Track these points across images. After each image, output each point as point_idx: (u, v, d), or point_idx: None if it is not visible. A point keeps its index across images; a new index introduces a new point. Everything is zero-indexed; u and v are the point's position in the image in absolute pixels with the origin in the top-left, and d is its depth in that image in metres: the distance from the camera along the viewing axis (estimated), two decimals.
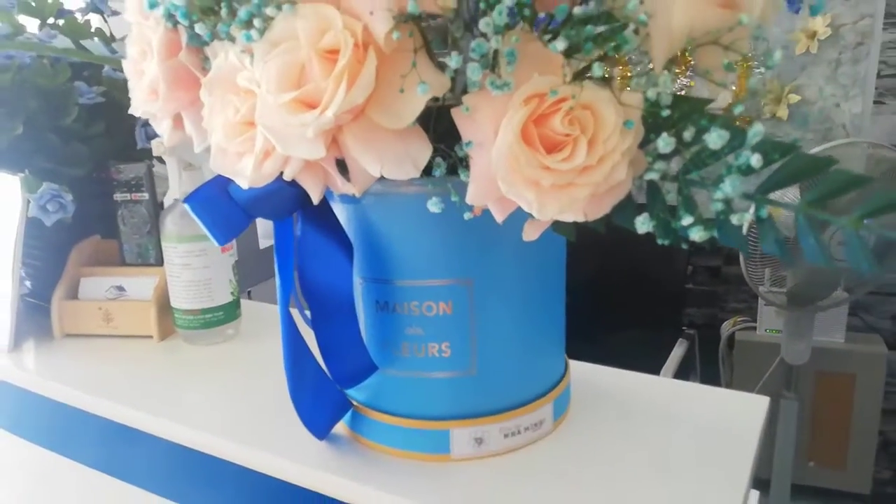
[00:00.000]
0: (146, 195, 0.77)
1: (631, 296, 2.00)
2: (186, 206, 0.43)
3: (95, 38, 0.80)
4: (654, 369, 1.71)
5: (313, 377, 0.49)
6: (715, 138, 0.31)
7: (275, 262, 0.49)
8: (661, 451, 0.50)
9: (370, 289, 0.47)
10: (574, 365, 0.59)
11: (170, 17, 0.38)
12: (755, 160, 0.31)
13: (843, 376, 1.91)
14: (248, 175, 0.37)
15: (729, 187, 0.32)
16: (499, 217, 0.37)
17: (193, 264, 0.70)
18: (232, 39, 0.39)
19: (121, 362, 0.71)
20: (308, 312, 0.47)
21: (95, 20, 0.85)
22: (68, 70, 0.72)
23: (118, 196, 0.77)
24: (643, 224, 0.34)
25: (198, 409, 0.61)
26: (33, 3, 0.80)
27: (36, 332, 0.78)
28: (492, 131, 0.35)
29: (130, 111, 0.44)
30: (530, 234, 0.37)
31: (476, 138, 0.35)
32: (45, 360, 0.73)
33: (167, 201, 0.74)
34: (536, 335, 0.50)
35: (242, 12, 0.36)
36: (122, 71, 0.55)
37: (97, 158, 0.78)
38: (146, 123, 0.79)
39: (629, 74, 0.36)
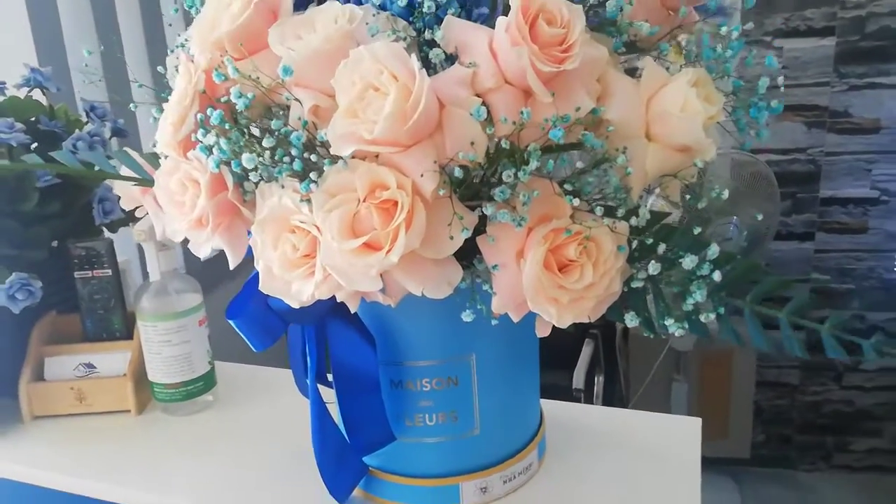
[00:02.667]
0: (109, 271, 0.78)
1: None
2: (232, 322, 0.48)
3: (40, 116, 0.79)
4: (569, 367, 1.88)
5: (337, 446, 0.55)
6: (688, 262, 0.41)
7: (294, 344, 0.55)
8: (625, 477, 0.61)
9: (384, 370, 0.54)
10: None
11: (222, 164, 0.43)
12: (717, 276, 0.42)
13: (721, 356, 2.17)
14: (302, 299, 0.44)
15: (699, 296, 0.42)
16: (516, 318, 0.45)
17: (173, 340, 0.73)
18: (275, 178, 0.44)
19: (103, 440, 0.73)
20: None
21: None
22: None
23: (79, 273, 0.78)
24: (631, 320, 0.44)
25: (199, 481, 0.65)
26: None
27: (1, 418, 0.77)
28: (511, 255, 0.43)
29: (168, 237, 0.48)
30: (542, 331, 0.46)
31: (499, 261, 0.43)
32: (20, 445, 0.73)
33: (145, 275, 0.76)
34: (524, 391, 0.59)
35: (296, 164, 0.42)
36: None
37: (55, 238, 0.78)
38: (102, 199, 0.81)
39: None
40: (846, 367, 2.27)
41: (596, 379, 2.12)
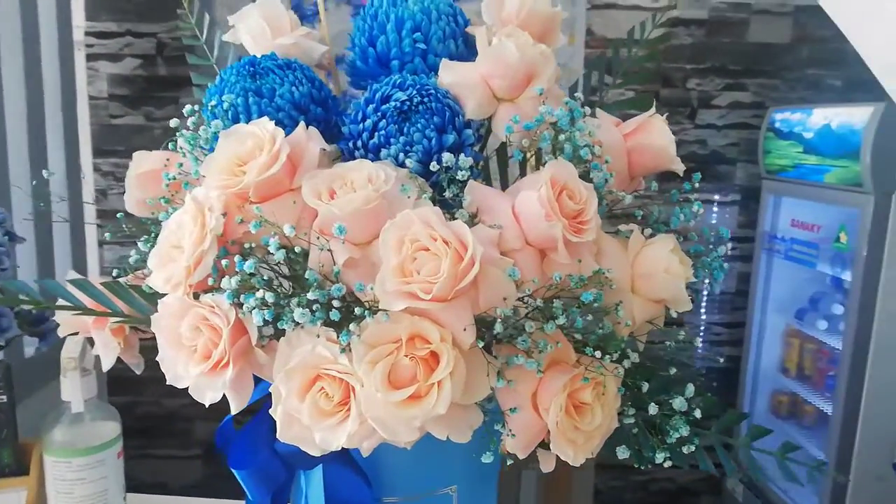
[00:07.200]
0: (4, 397, 0.69)
1: None
2: (235, 473, 0.46)
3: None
4: None
5: None
6: (678, 403, 0.48)
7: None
8: None
9: None
10: None
11: (252, 312, 0.43)
12: (698, 413, 0.49)
13: None
14: (331, 448, 0.43)
15: (684, 430, 0.48)
16: (523, 456, 0.48)
17: (89, 478, 0.66)
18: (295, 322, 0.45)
19: None
20: None
21: None
22: None
23: None
24: (622, 452, 0.50)
25: None
26: None
27: None
28: (528, 398, 0.47)
29: (170, 382, 0.46)
30: (548, 466, 0.49)
31: (517, 404, 0.47)
32: None
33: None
34: None
35: (334, 314, 0.43)
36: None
37: None
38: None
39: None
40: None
41: None
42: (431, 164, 0.48)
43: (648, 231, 0.53)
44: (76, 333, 0.60)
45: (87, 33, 2.18)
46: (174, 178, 0.51)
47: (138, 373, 0.59)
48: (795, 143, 2.02)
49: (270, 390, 0.45)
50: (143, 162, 0.60)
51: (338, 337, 0.43)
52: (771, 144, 2.13)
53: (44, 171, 0.57)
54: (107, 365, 0.56)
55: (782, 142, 2.08)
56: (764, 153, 2.16)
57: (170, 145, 0.53)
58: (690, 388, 0.50)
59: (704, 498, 2.54)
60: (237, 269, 0.44)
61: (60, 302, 0.52)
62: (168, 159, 0.53)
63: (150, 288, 0.51)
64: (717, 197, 2.37)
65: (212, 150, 0.50)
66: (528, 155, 0.51)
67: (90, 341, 0.59)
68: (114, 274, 0.55)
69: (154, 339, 0.58)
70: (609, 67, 0.64)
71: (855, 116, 1.76)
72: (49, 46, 1.92)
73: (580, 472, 2.45)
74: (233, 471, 0.47)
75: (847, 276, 1.86)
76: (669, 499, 2.56)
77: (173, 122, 0.50)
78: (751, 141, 2.29)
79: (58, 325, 0.63)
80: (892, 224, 1.68)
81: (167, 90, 2.24)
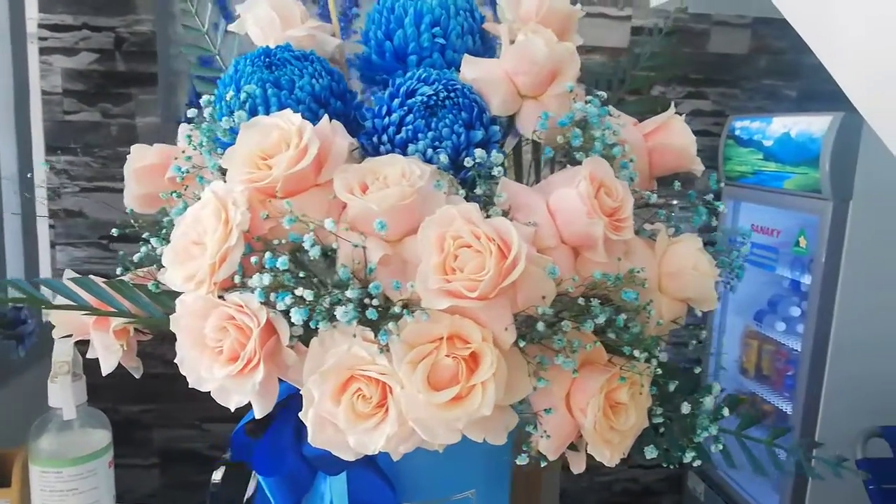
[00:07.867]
0: None
1: None
2: (261, 479, 0.44)
3: None
4: None
5: None
6: (708, 402, 0.48)
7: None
8: None
9: None
10: None
11: (291, 311, 0.41)
12: (726, 411, 0.49)
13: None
14: (367, 452, 0.42)
15: (713, 430, 0.49)
16: (553, 458, 0.48)
17: (81, 488, 0.62)
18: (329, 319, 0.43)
19: None
20: None
21: None
22: None
23: None
24: (651, 452, 0.49)
25: None
26: None
27: None
28: (562, 398, 0.46)
29: (192, 385, 0.43)
30: (578, 467, 0.49)
31: (552, 404, 0.46)
32: None
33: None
34: None
35: (370, 313, 0.41)
36: None
37: None
38: None
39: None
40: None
41: None
42: (465, 160, 0.47)
43: (671, 230, 0.53)
44: (69, 336, 0.56)
45: (41, 26, 2.09)
46: (187, 172, 0.49)
47: (137, 377, 0.56)
48: (755, 151, 2.08)
49: (302, 393, 0.43)
50: (143, 156, 0.57)
51: (375, 336, 0.41)
52: (731, 151, 2.18)
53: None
54: (107, 369, 0.53)
55: (742, 149, 2.14)
56: (724, 160, 2.22)
57: (185, 139, 0.50)
58: (717, 387, 0.50)
59: (667, 497, 2.59)
60: (267, 267, 0.42)
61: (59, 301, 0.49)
62: (182, 151, 0.50)
63: (157, 287, 0.49)
64: (677, 202, 2.42)
65: (226, 144, 0.48)
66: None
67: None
68: (118, 272, 0.52)
69: (142, 342, 0.55)
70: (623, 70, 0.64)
71: (814, 125, 1.82)
72: (0, 39, 1.83)
73: (548, 472, 2.47)
74: (259, 478, 0.45)
75: (806, 279, 1.93)
76: (633, 499, 2.60)
77: (190, 113, 0.48)
78: (711, 148, 2.35)
79: (34, 328, 0.59)
80: (850, 229, 1.74)
81: (125, 86, 2.17)
